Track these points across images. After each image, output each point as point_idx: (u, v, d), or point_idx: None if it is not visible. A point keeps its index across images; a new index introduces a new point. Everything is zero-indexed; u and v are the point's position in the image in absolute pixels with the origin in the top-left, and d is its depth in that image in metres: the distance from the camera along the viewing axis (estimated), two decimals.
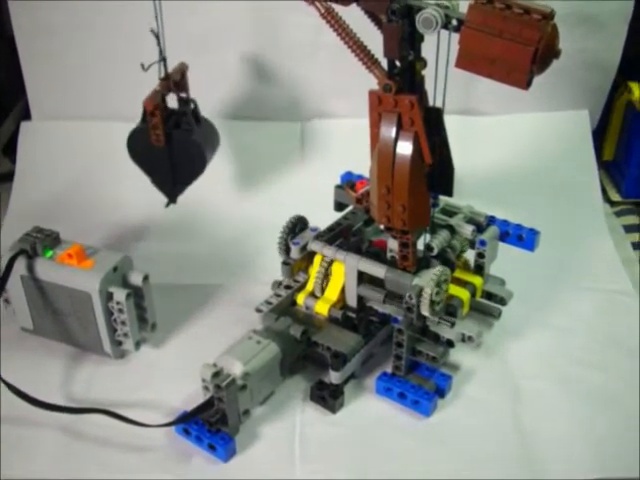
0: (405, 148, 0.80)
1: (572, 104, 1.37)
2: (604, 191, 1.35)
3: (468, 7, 0.72)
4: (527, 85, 0.72)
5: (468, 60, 0.73)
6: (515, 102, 1.36)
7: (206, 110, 1.18)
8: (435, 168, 0.82)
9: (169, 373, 0.95)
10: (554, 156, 1.34)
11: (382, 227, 0.88)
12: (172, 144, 1.08)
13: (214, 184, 1.29)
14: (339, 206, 1.03)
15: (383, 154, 0.80)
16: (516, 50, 0.70)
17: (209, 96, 1.28)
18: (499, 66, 0.72)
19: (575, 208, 1.27)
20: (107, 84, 1.31)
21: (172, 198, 1.15)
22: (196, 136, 1.09)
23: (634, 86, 1.32)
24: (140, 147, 1.10)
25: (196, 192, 1.24)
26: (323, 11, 0.78)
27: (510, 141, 1.36)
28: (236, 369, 0.84)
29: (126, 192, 1.27)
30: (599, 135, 1.40)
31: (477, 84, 1.33)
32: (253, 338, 0.89)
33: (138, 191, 1.25)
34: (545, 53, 0.70)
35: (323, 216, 1.01)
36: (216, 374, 0.82)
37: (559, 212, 1.24)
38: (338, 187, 1.02)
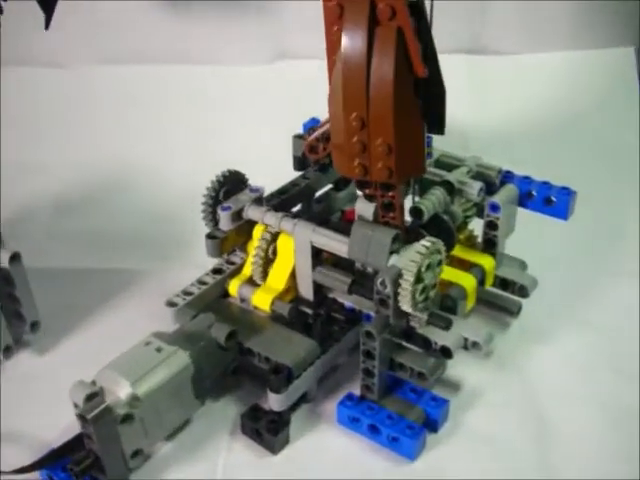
0: (386, 53, 0.62)
1: (614, 40, 1.28)
2: None
3: None
4: None
5: None
6: (540, 38, 1.28)
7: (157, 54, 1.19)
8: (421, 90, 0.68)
9: (51, 390, 0.79)
10: (590, 104, 1.25)
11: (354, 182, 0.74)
12: None
13: (146, 143, 1.21)
14: (300, 163, 0.90)
15: (351, 67, 0.63)
16: None
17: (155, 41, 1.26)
18: None
19: (614, 169, 1.16)
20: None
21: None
22: None
23: None
24: None
25: (122, 153, 1.19)
26: None
27: (533, 86, 1.27)
28: (121, 390, 0.67)
29: (45, 155, 1.19)
30: None
31: (491, 15, 1.24)
32: (152, 344, 0.73)
33: (62, 154, 1.19)
34: None
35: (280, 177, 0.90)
36: (91, 397, 0.65)
37: (594, 174, 1.12)
38: (297, 137, 0.89)
